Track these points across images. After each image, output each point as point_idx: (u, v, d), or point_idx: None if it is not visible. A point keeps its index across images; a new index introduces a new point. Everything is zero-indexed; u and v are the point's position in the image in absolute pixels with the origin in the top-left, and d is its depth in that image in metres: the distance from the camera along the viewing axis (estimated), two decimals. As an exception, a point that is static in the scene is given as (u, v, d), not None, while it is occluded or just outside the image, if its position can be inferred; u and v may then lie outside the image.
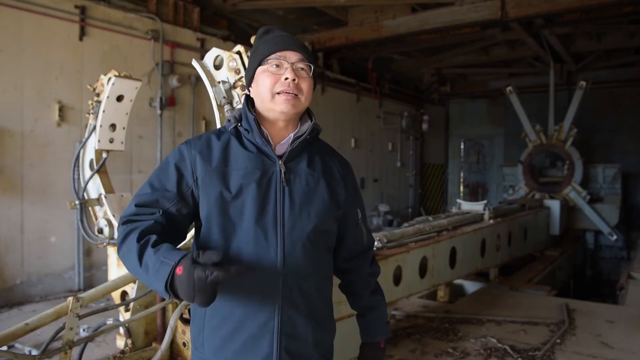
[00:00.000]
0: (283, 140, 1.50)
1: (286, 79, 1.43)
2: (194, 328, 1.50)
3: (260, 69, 1.48)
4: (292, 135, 1.50)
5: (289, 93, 1.43)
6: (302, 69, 1.47)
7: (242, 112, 1.50)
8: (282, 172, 1.43)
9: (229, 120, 1.52)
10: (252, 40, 1.63)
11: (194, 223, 1.53)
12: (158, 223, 1.38)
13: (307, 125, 1.51)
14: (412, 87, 13.17)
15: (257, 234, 1.39)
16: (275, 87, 1.43)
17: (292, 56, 1.46)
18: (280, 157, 1.46)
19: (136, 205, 1.42)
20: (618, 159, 11.19)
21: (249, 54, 2.36)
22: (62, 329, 2.45)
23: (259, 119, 1.49)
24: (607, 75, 11.52)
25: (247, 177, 1.41)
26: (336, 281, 1.70)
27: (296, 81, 1.44)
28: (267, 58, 1.46)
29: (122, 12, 6.31)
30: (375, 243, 3.91)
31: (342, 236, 1.61)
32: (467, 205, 6.40)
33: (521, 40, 9.80)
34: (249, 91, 1.55)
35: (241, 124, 1.49)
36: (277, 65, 1.45)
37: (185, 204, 1.44)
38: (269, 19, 8.78)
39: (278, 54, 1.45)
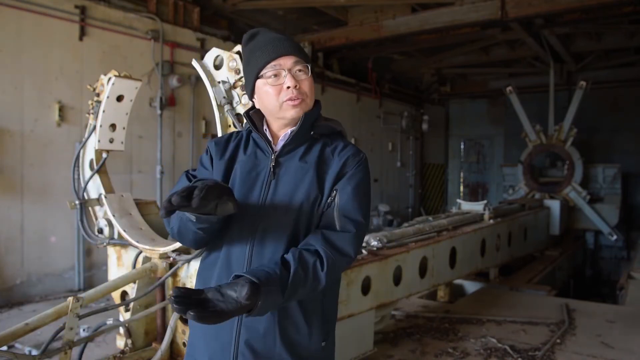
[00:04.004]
0: (282, 136, 1.52)
1: (288, 87, 1.43)
2: None
3: (259, 82, 1.48)
4: (289, 131, 1.50)
5: (295, 99, 1.44)
6: (300, 70, 1.46)
7: None
8: (272, 166, 1.46)
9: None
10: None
11: None
12: None
13: (301, 119, 1.48)
14: (412, 87, 13.17)
15: (235, 227, 1.44)
16: (280, 97, 1.44)
17: (287, 62, 1.45)
18: (276, 152, 1.49)
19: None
20: (618, 159, 11.18)
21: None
22: (62, 329, 2.45)
23: (267, 122, 1.54)
24: (607, 75, 11.51)
25: (239, 171, 1.49)
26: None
27: (298, 86, 1.44)
28: (263, 70, 1.46)
29: (122, 12, 6.31)
30: (375, 243, 3.91)
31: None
32: (467, 205, 6.40)
33: (521, 40, 9.80)
34: (253, 102, 1.57)
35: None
36: (275, 75, 1.44)
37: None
38: (269, 19, 8.78)
39: (273, 63, 1.44)
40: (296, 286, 1.31)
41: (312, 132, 1.50)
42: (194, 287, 1.31)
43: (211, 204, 1.21)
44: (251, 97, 1.55)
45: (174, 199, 1.17)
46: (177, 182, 1.57)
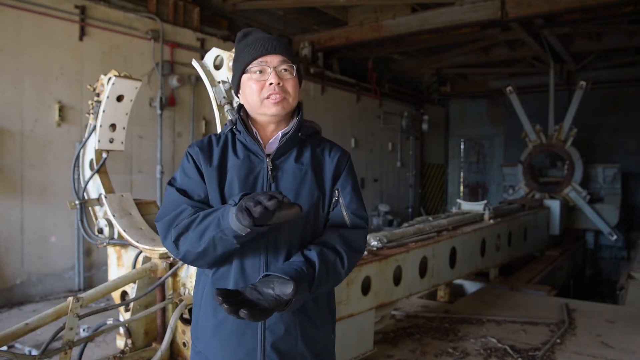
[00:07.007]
0: (272, 139, 1.53)
1: (270, 83, 1.47)
2: (192, 321, 1.56)
3: (244, 77, 1.52)
4: (280, 133, 1.53)
5: (276, 96, 1.46)
6: (285, 70, 1.50)
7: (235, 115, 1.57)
8: (269, 169, 1.47)
9: (226, 124, 1.58)
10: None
11: None
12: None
13: (294, 122, 1.54)
14: (412, 87, 13.17)
15: None
16: (262, 93, 1.48)
17: (274, 60, 1.48)
18: (269, 155, 1.49)
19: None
20: (618, 159, 11.18)
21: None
22: (62, 329, 2.45)
23: (251, 121, 1.55)
24: (607, 75, 11.52)
25: (236, 176, 1.47)
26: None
27: (281, 84, 1.47)
28: (249, 65, 1.49)
29: (122, 12, 6.31)
30: (375, 243, 3.91)
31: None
32: (467, 205, 6.40)
33: (521, 40, 9.80)
34: (238, 97, 1.59)
35: (236, 126, 1.53)
36: (260, 72, 1.48)
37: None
38: (269, 19, 8.78)
39: (259, 60, 1.48)
40: (320, 283, 1.37)
41: (299, 134, 1.53)
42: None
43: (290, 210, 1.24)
44: (237, 92, 1.58)
45: (269, 204, 1.18)
46: (165, 196, 1.51)
